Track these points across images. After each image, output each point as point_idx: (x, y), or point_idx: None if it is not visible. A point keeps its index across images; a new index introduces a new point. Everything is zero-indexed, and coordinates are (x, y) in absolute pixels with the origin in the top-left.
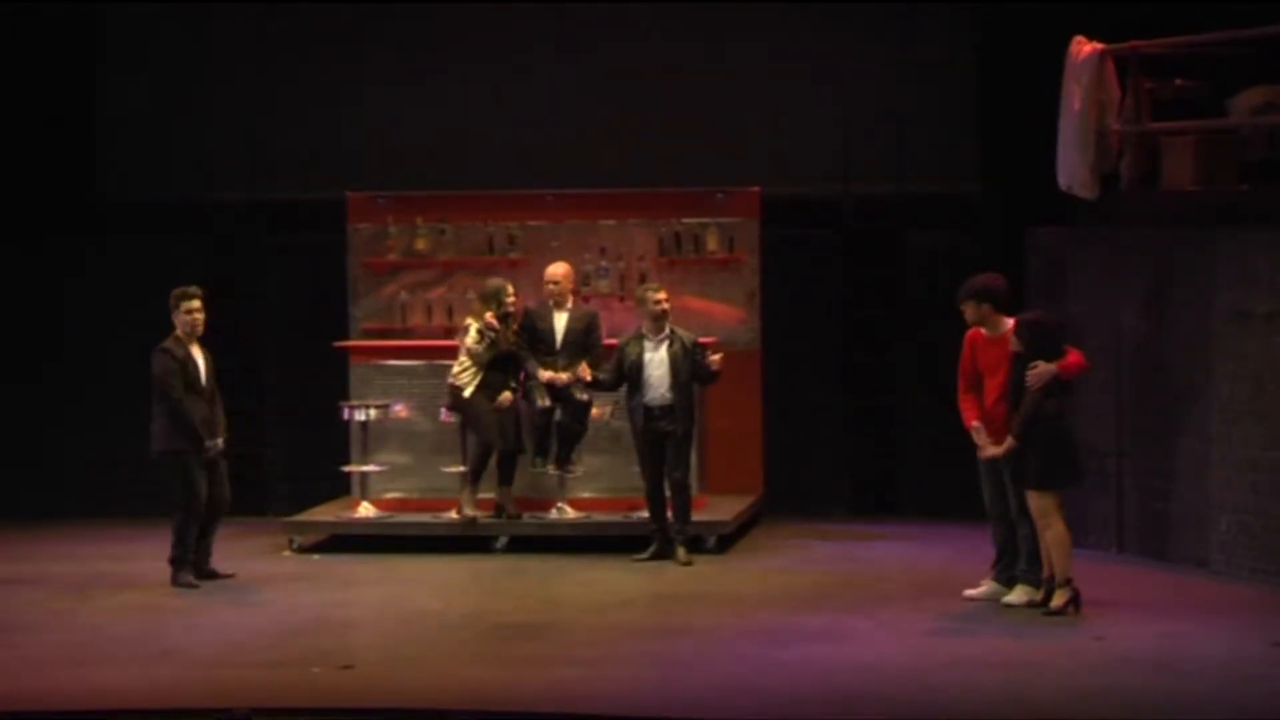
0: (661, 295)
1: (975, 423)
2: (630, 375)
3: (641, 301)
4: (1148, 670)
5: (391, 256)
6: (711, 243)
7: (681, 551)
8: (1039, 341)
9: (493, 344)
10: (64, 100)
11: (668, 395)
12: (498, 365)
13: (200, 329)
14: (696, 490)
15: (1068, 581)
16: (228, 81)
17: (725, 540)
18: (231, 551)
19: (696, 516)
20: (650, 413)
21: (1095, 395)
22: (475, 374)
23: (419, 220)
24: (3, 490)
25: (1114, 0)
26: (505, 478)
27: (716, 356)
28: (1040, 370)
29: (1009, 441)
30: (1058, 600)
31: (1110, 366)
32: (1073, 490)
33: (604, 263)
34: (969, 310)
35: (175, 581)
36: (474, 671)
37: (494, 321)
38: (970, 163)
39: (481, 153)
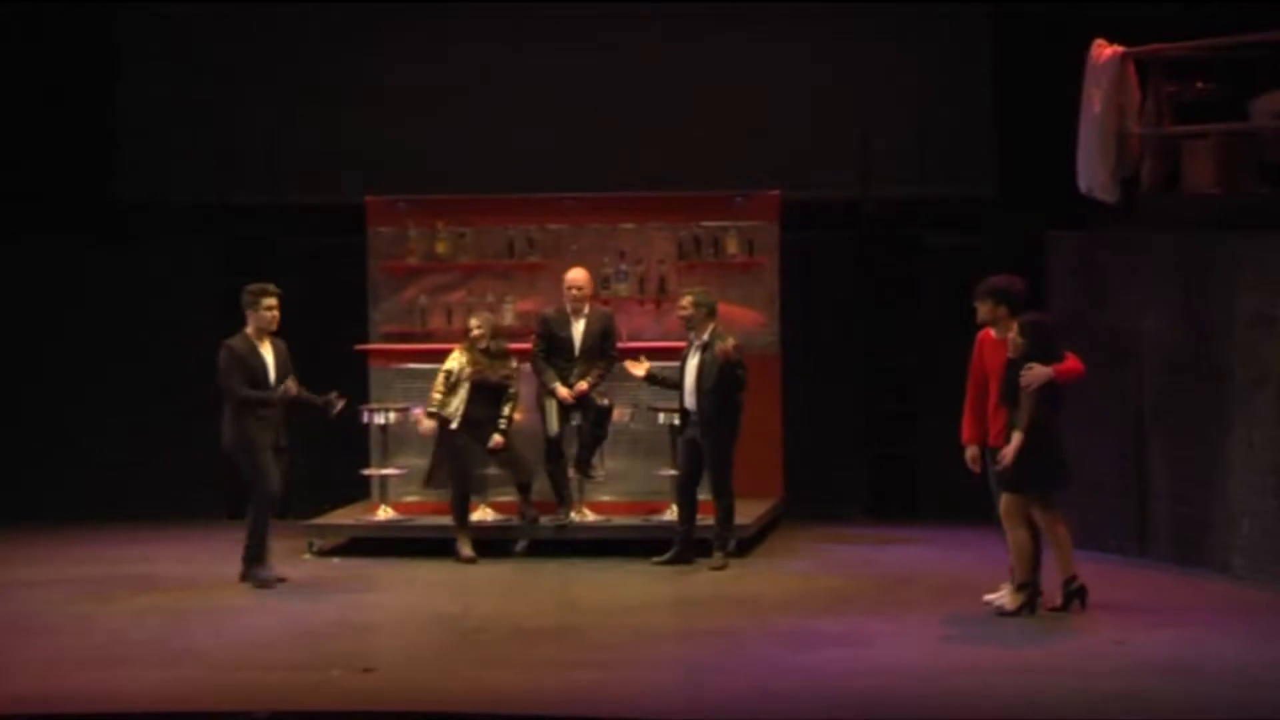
0: (683, 301)
1: (972, 448)
2: (679, 378)
3: None
4: (1167, 674)
5: (411, 260)
6: (731, 246)
7: (717, 555)
8: (1041, 343)
9: (455, 387)
10: (82, 102)
11: (693, 401)
12: (483, 398)
13: (275, 325)
14: None
15: (1024, 585)
16: (247, 83)
17: (746, 543)
18: None
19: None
20: (687, 417)
21: (1117, 399)
22: (455, 404)
23: (439, 224)
24: (22, 492)
25: (1134, 2)
26: (524, 489)
27: (727, 344)
28: (1036, 373)
29: (1016, 439)
30: (1011, 601)
31: (1131, 370)
32: (1058, 495)
33: (624, 266)
34: (984, 309)
35: (248, 577)
36: (493, 675)
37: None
38: (989, 166)
39: (501, 156)
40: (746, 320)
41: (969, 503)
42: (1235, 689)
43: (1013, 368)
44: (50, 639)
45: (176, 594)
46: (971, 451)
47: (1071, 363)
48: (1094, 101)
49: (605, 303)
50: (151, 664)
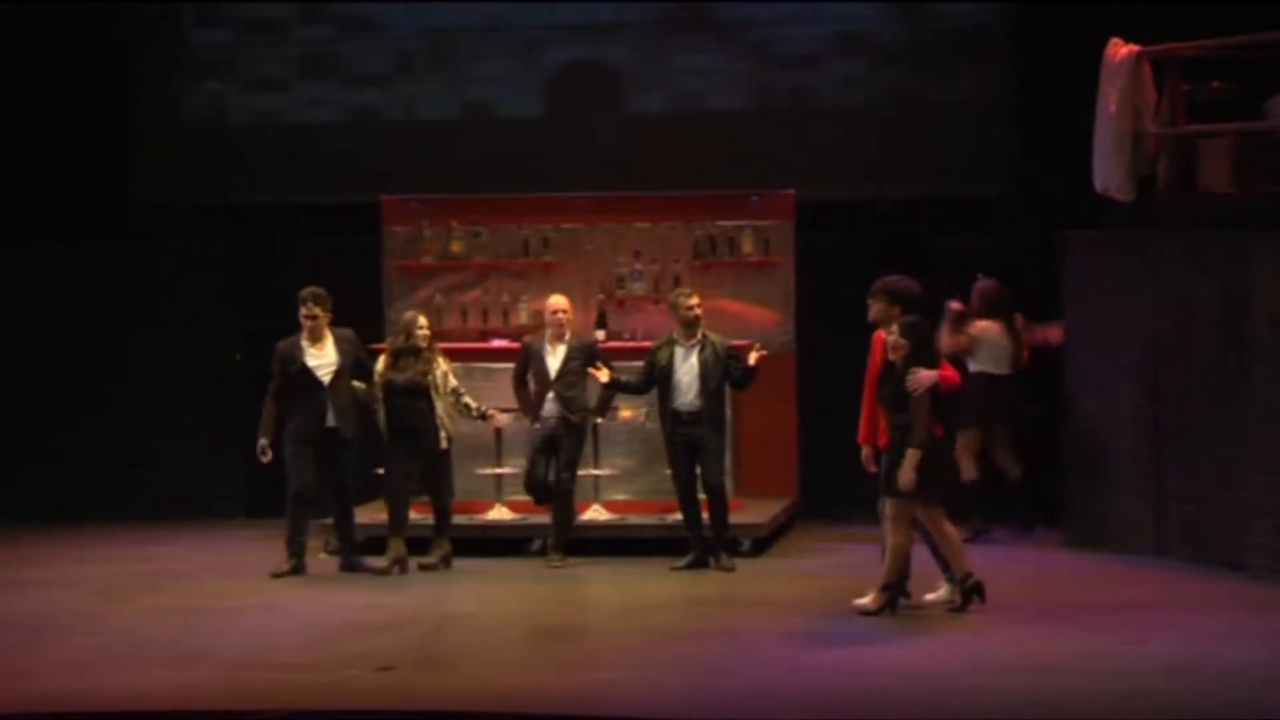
0: (693, 301)
1: (867, 448)
2: (660, 380)
3: (674, 306)
4: (1176, 673)
5: (426, 259)
6: (746, 245)
7: (723, 557)
8: (923, 345)
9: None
10: (96, 102)
11: (696, 401)
12: (403, 403)
13: (317, 332)
14: (731, 492)
15: (888, 586)
16: (260, 82)
17: (760, 543)
18: (266, 553)
19: (731, 519)
20: (679, 418)
21: (1132, 399)
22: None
23: (454, 223)
24: (34, 493)
25: (1150, 2)
26: (438, 513)
27: (757, 353)
28: (922, 376)
29: (912, 458)
30: (873, 601)
31: (1146, 370)
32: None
33: (638, 265)
34: (877, 307)
35: (294, 571)
36: (508, 674)
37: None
38: (1004, 166)
39: (516, 155)
40: (762, 320)
41: (979, 503)
42: (1249, 689)
43: (892, 371)
44: (62, 639)
45: (185, 593)
46: (866, 452)
47: (948, 372)
48: (1110, 101)
49: (619, 303)
50: (164, 663)
